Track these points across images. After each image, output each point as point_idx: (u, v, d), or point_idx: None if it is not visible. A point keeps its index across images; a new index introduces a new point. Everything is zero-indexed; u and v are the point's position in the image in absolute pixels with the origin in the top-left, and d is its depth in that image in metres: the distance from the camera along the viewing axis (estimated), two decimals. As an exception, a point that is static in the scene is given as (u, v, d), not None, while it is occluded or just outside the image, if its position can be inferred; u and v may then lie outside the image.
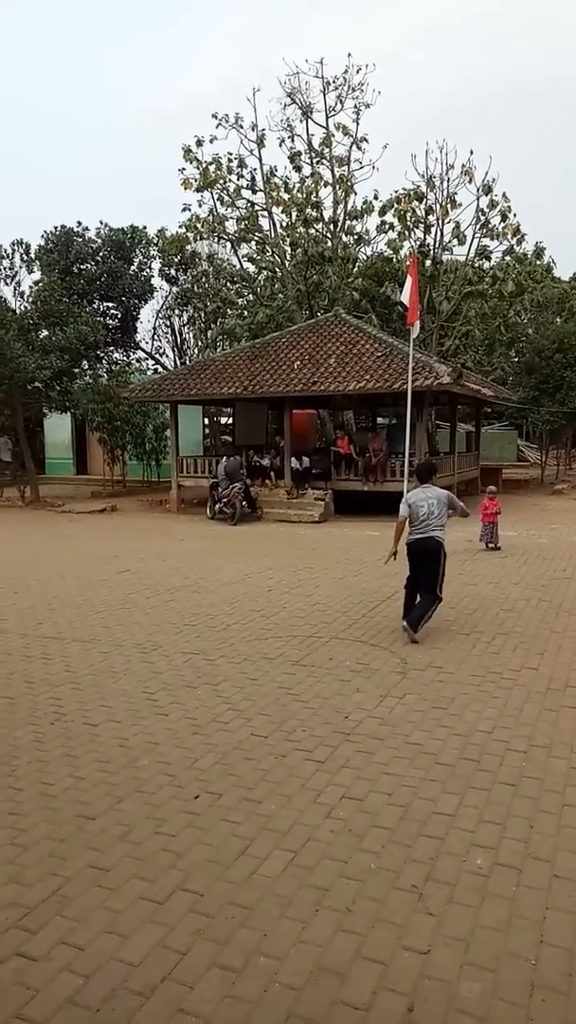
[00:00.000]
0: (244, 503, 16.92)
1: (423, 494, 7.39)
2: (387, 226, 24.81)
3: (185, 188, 24.99)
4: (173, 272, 31.35)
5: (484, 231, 23.56)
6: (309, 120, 25.02)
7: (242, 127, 24.80)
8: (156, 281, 31.70)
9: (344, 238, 25.23)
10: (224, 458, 18.23)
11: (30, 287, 22.45)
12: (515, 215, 23.16)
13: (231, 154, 25.14)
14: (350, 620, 7.95)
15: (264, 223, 25.42)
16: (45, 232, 29.39)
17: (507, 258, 25.22)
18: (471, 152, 23.99)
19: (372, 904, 3.18)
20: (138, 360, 34.03)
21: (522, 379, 25.45)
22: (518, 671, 6.21)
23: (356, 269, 25.63)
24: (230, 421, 26.86)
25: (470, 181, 22.80)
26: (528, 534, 14.00)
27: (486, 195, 22.87)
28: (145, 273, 30.82)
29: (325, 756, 4.65)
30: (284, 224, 25.45)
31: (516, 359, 28.39)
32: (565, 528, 15.03)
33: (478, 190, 22.86)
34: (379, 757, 4.62)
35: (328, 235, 25.08)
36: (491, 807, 3.97)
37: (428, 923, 3.04)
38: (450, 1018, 2.55)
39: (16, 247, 21.93)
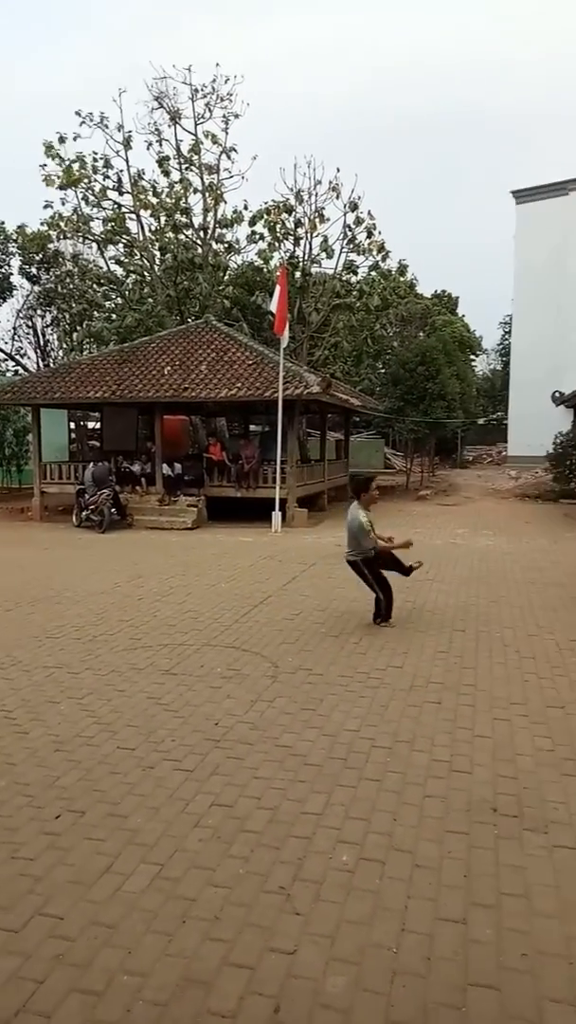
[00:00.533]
0: (113, 510, 16.47)
1: (347, 514, 8.21)
2: (257, 236, 25.17)
3: (47, 184, 24.14)
4: (34, 271, 30.07)
5: (351, 246, 24.42)
6: (178, 125, 24.93)
7: (107, 127, 24.34)
8: (16, 279, 30.30)
9: (214, 245, 25.32)
10: (91, 464, 17.69)
11: None
12: (380, 232, 24.17)
13: (96, 154, 24.58)
14: (222, 626, 7.90)
15: (132, 226, 25.03)
16: None
17: (373, 273, 26.24)
18: (338, 169, 24.85)
19: (240, 910, 3.15)
20: (-4, 361, 32.39)
21: (388, 390, 26.48)
22: (384, 670, 6.41)
23: (227, 277, 25.78)
24: (99, 426, 26.11)
25: (337, 197, 23.58)
26: (394, 538, 14.52)
27: (352, 211, 23.72)
28: (3, 270, 29.38)
29: (195, 764, 4.57)
30: (153, 228, 25.18)
31: (383, 370, 29.56)
32: (428, 532, 15.73)
33: (345, 206, 23.68)
34: (249, 762, 4.61)
35: (198, 242, 25.06)
36: (357, 803, 4.05)
37: (295, 923, 3.05)
38: (315, 1014, 2.56)
39: None
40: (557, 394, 22.39)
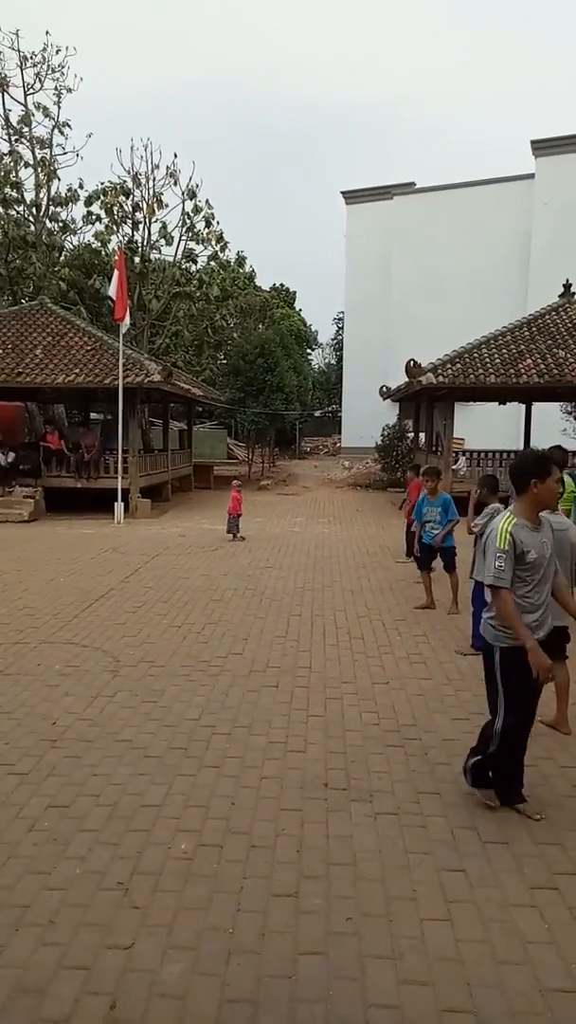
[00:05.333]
0: None
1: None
2: (94, 217, 24.27)
3: None
4: None
5: (190, 234, 24.19)
6: (5, 94, 23.42)
7: None
8: None
9: (48, 224, 24.09)
10: None
11: None
12: (218, 223, 24.14)
13: None
14: (61, 622, 7.65)
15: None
16: None
17: (212, 263, 26.17)
18: (175, 155, 24.52)
19: (76, 911, 3.11)
20: None
21: (229, 380, 26.63)
22: (225, 657, 6.52)
23: (63, 258, 24.63)
24: None
25: (175, 184, 23.24)
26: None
27: (191, 199, 23.51)
28: None
29: (30, 767, 4.42)
30: (-21, 201, 23.50)
31: (224, 361, 29.62)
32: (268, 521, 16.08)
33: (183, 193, 23.40)
34: (88, 759, 4.53)
35: (30, 219, 23.74)
36: (196, 791, 4.12)
37: (133, 917, 3.06)
38: (152, 1005, 2.60)
39: None
40: (384, 388, 23.62)
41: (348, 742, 4.76)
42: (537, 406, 21.85)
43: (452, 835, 3.67)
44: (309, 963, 2.79)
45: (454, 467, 18.46)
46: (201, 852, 3.53)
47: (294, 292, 46.56)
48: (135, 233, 24.28)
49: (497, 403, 21.94)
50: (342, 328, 42.60)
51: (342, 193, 37.21)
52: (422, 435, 24.06)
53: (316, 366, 53.22)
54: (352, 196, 36.99)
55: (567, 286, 19.11)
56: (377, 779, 4.25)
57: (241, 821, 3.80)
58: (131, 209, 23.88)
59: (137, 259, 23.54)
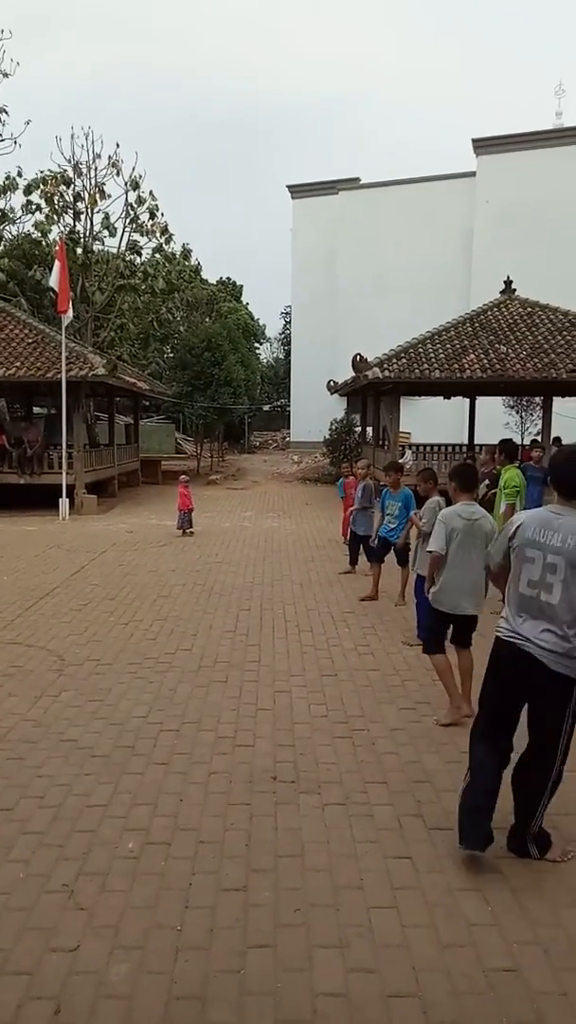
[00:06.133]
0: None
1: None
2: (34, 207, 23.68)
3: None
4: None
5: (134, 226, 23.82)
6: None
7: None
8: None
9: (-15, 213, 23.44)
10: None
11: None
12: (163, 215, 23.83)
13: None
14: (4, 622, 7.47)
15: None
16: None
17: (157, 255, 25.84)
18: (117, 145, 24.08)
19: (19, 915, 3.04)
20: None
21: (176, 374, 26.38)
22: (173, 654, 6.46)
23: (1, 248, 23.99)
24: None
25: (118, 174, 22.86)
26: (185, 523, 14.58)
27: (134, 190, 23.15)
28: None
29: (-31, 771, 4.30)
30: None
31: (170, 354, 29.32)
32: (218, 515, 16.01)
33: (126, 184, 23.03)
34: (32, 760, 4.43)
35: (-34, 208, 23.05)
36: (144, 789, 4.07)
37: (78, 918, 3.01)
38: (98, 1006, 2.56)
39: None
40: (332, 383, 23.76)
41: (297, 735, 4.77)
42: (481, 400, 22.29)
43: (399, 823, 3.72)
44: (258, 956, 2.78)
45: (401, 460, 18.70)
46: (148, 850, 3.49)
47: (241, 286, 46.41)
48: (76, 223, 23.81)
49: (442, 397, 22.30)
50: (290, 322, 42.64)
51: (288, 187, 37.23)
52: (369, 429, 24.29)
53: (264, 360, 53.13)
54: (298, 190, 37.04)
55: (508, 282, 19.52)
56: (325, 770, 4.27)
57: (189, 817, 3.77)
58: (72, 199, 23.40)
59: (80, 250, 23.08)
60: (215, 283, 39.50)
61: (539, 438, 17.61)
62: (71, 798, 3.99)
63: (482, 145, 30.98)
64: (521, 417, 25.90)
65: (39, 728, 4.90)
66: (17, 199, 23.92)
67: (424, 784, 4.12)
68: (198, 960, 2.76)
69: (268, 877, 3.27)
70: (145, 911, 3.06)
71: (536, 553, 3.26)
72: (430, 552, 5.06)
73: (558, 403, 19.20)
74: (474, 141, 31.05)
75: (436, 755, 4.49)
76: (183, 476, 14.38)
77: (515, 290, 19.44)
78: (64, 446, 16.49)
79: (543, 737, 3.30)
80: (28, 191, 23.27)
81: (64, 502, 15.76)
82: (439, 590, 4.98)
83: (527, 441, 18.68)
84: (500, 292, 19.52)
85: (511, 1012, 2.53)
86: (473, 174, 31.44)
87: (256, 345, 47.27)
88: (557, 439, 16.53)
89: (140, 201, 23.39)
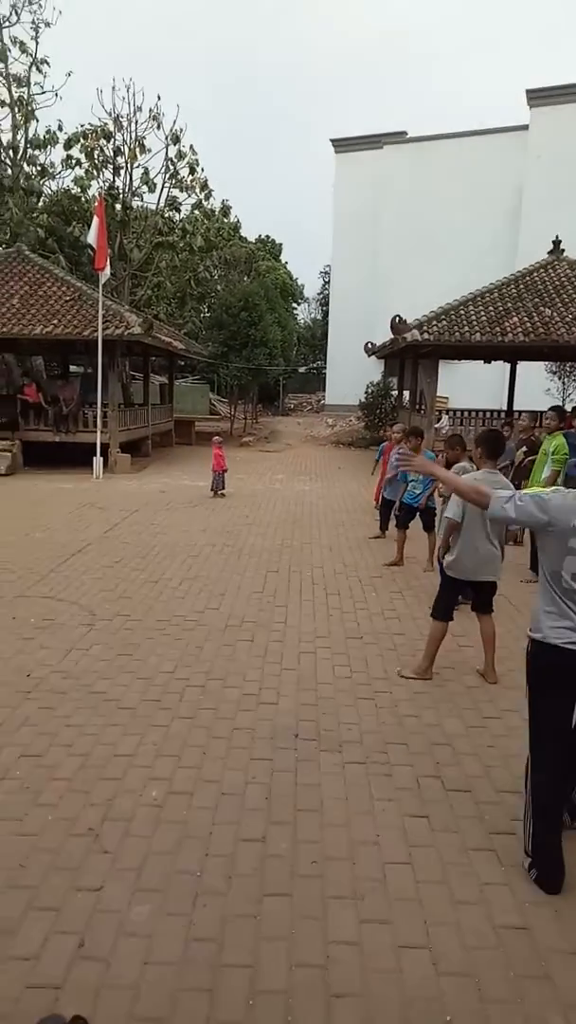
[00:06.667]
0: None
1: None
2: (74, 161, 23.43)
3: None
4: None
5: (173, 181, 23.49)
6: (-21, 26, 22.36)
7: None
8: None
9: (26, 168, 23.31)
10: None
11: None
12: (203, 169, 23.43)
13: None
14: (37, 576, 7.64)
15: None
16: None
17: (196, 212, 25.51)
18: (159, 97, 23.64)
19: (47, 855, 3.17)
20: None
21: (212, 334, 26.20)
22: (201, 612, 6.56)
23: (41, 204, 23.90)
24: None
25: (159, 127, 22.47)
26: (218, 483, 14.65)
27: (174, 144, 22.76)
28: None
29: (3, 718, 4.46)
30: (-47, 142, 22.66)
31: (207, 314, 29.10)
32: (249, 477, 16.04)
33: (167, 138, 22.65)
34: (61, 711, 4.57)
35: (7, 162, 22.93)
36: (168, 741, 4.18)
37: (103, 861, 3.13)
38: (120, 942, 2.68)
39: None
40: (369, 345, 23.37)
41: (320, 694, 4.83)
42: (522, 366, 21.77)
43: (417, 783, 3.77)
44: (274, 904, 2.87)
45: (436, 425, 18.45)
46: (172, 799, 3.60)
47: (280, 244, 45.65)
48: (116, 179, 23.53)
49: (482, 362, 21.83)
50: (328, 282, 41.93)
51: (331, 141, 36.24)
52: (406, 393, 23.94)
53: (301, 321, 52.47)
54: (341, 144, 36.03)
55: (556, 242, 18.87)
56: (347, 730, 4.33)
57: (212, 770, 3.87)
58: (112, 153, 23.09)
59: (118, 206, 22.87)
60: (254, 241, 38.91)
61: (580, 405, 17.18)
62: (98, 747, 4.12)
63: (537, 96, 29.65)
64: (563, 383, 25.27)
65: (69, 680, 5.04)
66: (57, 154, 23.76)
67: (444, 746, 4.16)
68: (216, 905, 2.86)
69: (287, 829, 3.35)
70: (166, 856, 3.16)
71: None
72: (447, 518, 5.04)
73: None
74: (529, 92, 29.71)
75: (458, 719, 4.52)
76: (216, 437, 14.42)
77: (564, 251, 18.79)
78: (99, 405, 16.60)
79: None
80: (68, 145, 23.04)
81: (98, 461, 15.92)
82: (455, 558, 4.97)
83: (569, 408, 18.23)
84: (548, 252, 18.90)
85: (519, 966, 2.58)
86: (525, 127, 30.21)
87: (294, 305, 46.67)
88: (599, 407, 16.11)
89: (180, 156, 23.03)
